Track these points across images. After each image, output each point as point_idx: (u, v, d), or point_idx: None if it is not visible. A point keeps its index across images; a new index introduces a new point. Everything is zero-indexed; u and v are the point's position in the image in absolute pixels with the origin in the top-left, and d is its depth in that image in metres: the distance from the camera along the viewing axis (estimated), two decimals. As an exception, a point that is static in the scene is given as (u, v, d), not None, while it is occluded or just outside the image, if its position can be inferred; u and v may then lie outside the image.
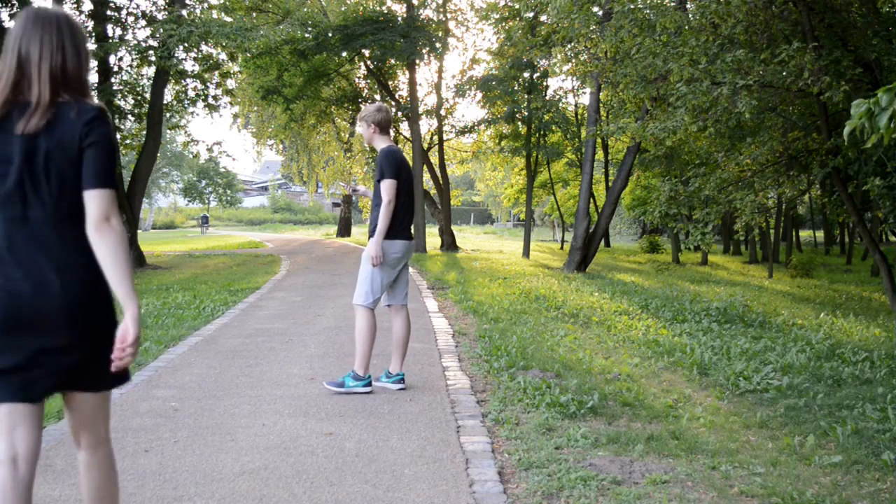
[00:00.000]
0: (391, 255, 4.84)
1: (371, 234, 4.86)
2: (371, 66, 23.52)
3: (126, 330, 2.05)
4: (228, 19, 16.83)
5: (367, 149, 26.38)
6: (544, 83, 21.10)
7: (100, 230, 2.03)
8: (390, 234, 4.82)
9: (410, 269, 15.17)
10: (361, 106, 23.45)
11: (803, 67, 8.30)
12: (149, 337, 6.80)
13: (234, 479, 3.34)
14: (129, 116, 17.54)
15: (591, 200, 22.98)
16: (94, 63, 15.71)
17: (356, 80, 25.93)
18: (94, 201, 2.04)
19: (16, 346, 2.00)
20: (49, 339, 2.02)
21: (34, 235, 2.04)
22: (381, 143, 4.94)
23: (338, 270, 14.39)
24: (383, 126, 4.96)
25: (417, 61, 21.82)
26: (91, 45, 14.72)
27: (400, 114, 23.50)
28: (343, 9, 23.56)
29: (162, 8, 16.07)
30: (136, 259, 15.48)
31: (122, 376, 2.19)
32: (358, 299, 4.88)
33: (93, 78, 16.66)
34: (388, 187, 4.78)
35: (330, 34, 20.77)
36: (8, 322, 2.00)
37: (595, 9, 11.68)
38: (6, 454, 2.03)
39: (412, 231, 5.03)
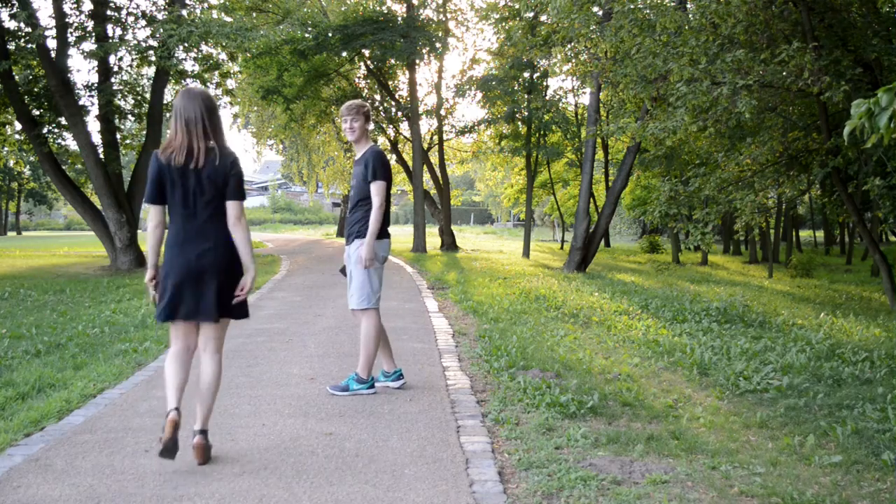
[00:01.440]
0: (381, 253, 4.85)
1: (354, 236, 4.84)
2: (371, 66, 23.52)
3: (245, 281, 3.60)
4: (228, 19, 16.80)
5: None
6: (544, 83, 21.08)
7: (236, 225, 3.56)
8: (379, 233, 4.82)
9: (410, 269, 15.28)
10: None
11: (803, 67, 8.30)
12: (149, 337, 6.81)
13: (234, 479, 3.34)
14: (129, 116, 17.52)
15: (591, 200, 22.99)
16: (94, 63, 15.74)
17: (356, 80, 25.92)
18: (234, 208, 3.56)
19: (189, 290, 3.49)
20: (205, 286, 3.50)
21: (197, 225, 3.53)
22: (367, 142, 4.90)
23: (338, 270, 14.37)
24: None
25: (417, 61, 21.81)
26: (91, 45, 14.73)
27: (400, 114, 23.48)
28: (343, 9, 23.55)
29: (162, 8, 16.05)
30: (136, 259, 15.36)
31: (242, 313, 3.65)
32: (362, 303, 4.84)
33: (93, 78, 16.67)
34: (380, 189, 4.75)
35: (330, 34, 20.75)
36: (183, 276, 3.49)
37: (595, 9, 11.66)
38: (183, 345, 3.61)
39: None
